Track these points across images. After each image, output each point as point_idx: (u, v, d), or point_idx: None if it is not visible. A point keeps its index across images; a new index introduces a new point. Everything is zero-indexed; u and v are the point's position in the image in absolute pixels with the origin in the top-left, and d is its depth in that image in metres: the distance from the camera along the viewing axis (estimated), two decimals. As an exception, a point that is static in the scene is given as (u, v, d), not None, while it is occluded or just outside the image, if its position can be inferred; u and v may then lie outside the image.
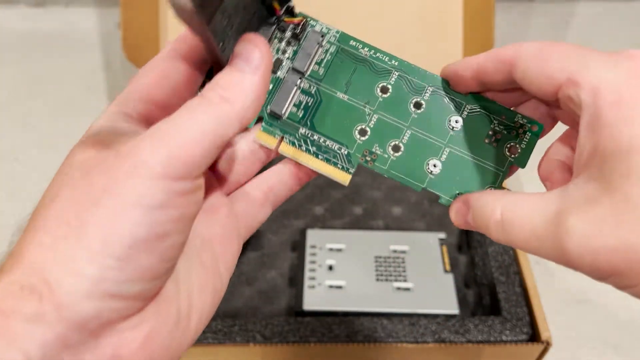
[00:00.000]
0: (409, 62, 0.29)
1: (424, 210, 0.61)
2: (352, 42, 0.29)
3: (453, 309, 0.50)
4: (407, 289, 0.52)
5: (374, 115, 0.28)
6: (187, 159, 0.20)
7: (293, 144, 0.29)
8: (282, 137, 0.29)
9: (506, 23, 0.85)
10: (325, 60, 0.29)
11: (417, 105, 0.28)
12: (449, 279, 0.53)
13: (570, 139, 0.26)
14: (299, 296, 0.51)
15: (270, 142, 0.28)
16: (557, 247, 0.20)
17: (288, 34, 0.29)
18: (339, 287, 0.52)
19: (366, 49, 0.30)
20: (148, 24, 0.63)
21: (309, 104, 0.29)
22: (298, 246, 0.56)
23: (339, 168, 0.28)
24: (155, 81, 0.24)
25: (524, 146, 0.28)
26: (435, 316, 0.49)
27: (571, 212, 0.20)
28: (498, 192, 0.25)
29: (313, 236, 0.56)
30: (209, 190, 0.27)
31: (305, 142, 0.29)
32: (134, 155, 0.20)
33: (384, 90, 0.29)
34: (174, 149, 0.20)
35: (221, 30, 0.23)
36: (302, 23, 0.29)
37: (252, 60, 0.22)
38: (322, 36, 0.29)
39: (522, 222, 0.22)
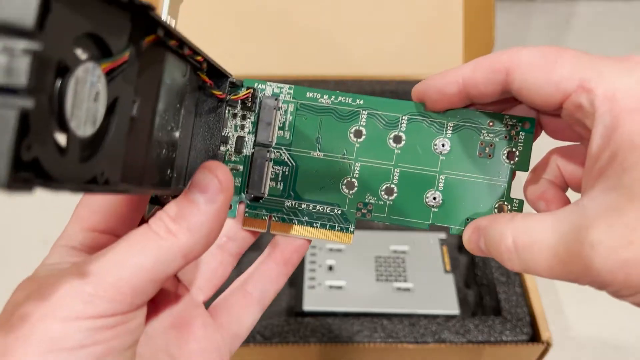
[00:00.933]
0: (373, 96, 0.27)
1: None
2: (308, 94, 0.27)
3: (453, 309, 0.50)
4: (407, 289, 0.52)
5: (356, 163, 0.27)
6: (115, 297, 0.19)
7: (283, 219, 0.27)
8: (270, 217, 0.27)
9: (506, 23, 0.85)
10: (287, 123, 0.27)
11: (397, 140, 0.26)
12: (449, 279, 0.53)
13: (562, 156, 0.25)
14: (299, 296, 0.51)
15: (259, 225, 0.27)
16: (583, 266, 0.18)
17: (239, 108, 0.27)
18: (339, 287, 0.52)
19: (325, 97, 0.27)
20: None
21: (286, 173, 0.27)
22: (298, 246, 0.56)
23: (337, 230, 0.27)
24: (97, 210, 0.23)
25: (521, 148, 0.26)
26: (436, 316, 0.49)
27: (593, 225, 0.18)
28: (506, 216, 0.23)
29: (313, 236, 0.56)
30: (176, 300, 0.25)
31: (295, 214, 0.27)
32: (52, 296, 0.19)
33: (358, 134, 0.27)
34: (99, 288, 0.19)
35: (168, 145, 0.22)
36: (250, 94, 0.27)
37: (209, 191, 0.21)
38: (276, 98, 0.27)
39: (540, 245, 0.20)
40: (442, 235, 0.56)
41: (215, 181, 0.21)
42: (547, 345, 0.46)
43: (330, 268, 0.53)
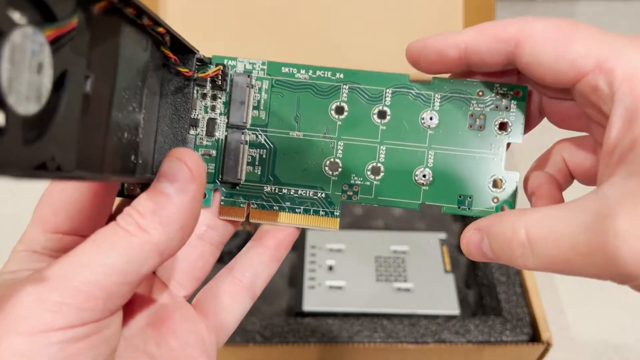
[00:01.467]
0: (354, 68, 0.25)
1: (424, 211, 0.60)
2: (284, 69, 0.25)
3: (453, 309, 0.50)
4: (408, 290, 0.52)
5: (339, 142, 0.25)
6: (85, 303, 0.17)
7: (263, 207, 0.25)
8: (249, 204, 0.25)
9: (506, 22, 0.85)
10: (262, 101, 0.25)
11: (382, 115, 0.25)
12: (450, 279, 0.53)
13: (568, 147, 0.24)
14: (298, 296, 0.51)
15: (237, 214, 0.25)
16: (606, 258, 0.17)
17: (209, 87, 0.25)
18: (339, 287, 0.52)
19: (302, 72, 0.25)
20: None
21: (264, 156, 0.25)
22: (298, 246, 0.56)
23: (322, 215, 0.25)
24: (59, 209, 0.21)
25: (514, 118, 0.24)
26: (436, 316, 0.49)
27: (617, 213, 0.17)
28: (515, 211, 0.21)
29: (313, 236, 0.56)
30: (153, 298, 0.23)
31: (276, 200, 0.25)
32: (14, 308, 0.17)
33: (339, 110, 0.25)
34: (66, 294, 0.17)
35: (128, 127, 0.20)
36: (220, 71, 0.25)
37: (179, 181, 0.19)
38: (249, 75, 0.25)
39: (556, 237, 0.18)
40: (443, 236, 0.56)
41: (185, 169, 0.19)
42: (547, 346, 0.46)
43: (330, 268, 0.53)
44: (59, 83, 0.16)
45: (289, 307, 0.53)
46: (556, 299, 0.57)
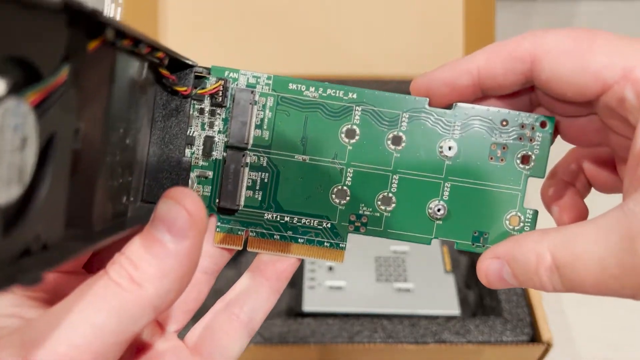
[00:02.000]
0: (371, 89, 0.23)
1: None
2: (291, 86, 0.23)
3: (454, 309, 0.50)
4: (408, 290, 0.52)
5: (348, 169, 0.23)
6: None
7: (262, 235, 0.23)
8: (247, 231, 0.23)
9: (507, 22, 0.85)
10: (266, 120, 0.23)
11: (396, 141, 0.23)
12: (450, 279, 0.53)
13: (586, 156, 0.23)
14: (298, 297, 0.51)
15: (234, 242, 0.23)
16: None
17: (207, 103, 0.23)
18: (339, 287, 0.52)
19: (312, 89, 0.23)
20: (147, 21, 0.62)
21: (265, 180, 0.23)
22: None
23: (327, 247, 0.24)
24: None
25: (538, 151, 0.23)
26: (436, 317, 0.49)
27: None
28: (536, 233, 0.20)
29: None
30: (141, 335, 0.22)
31: (277, 229, 0.23)
32: None
33: (350, 134, 0.23)
34: None
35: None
36: (220, 87, 0.23)
37: (177, 227, 0.17)
38: (252, 91, 0.23)
39: (585, 260, 0.18)
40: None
41: (183, 213, 0.17)
42: (548, 346, 0.46)
43: (330, 268, 0.53)
44: (45, 150, 0.14)
45: (288, 307, 0.53)
46: (557, 299, 0.57)
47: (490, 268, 0.21)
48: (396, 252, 0.55)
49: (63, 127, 0.15)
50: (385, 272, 0.53)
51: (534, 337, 0.48)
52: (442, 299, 0.51)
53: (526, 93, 0.23)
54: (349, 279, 0.52)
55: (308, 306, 0.50)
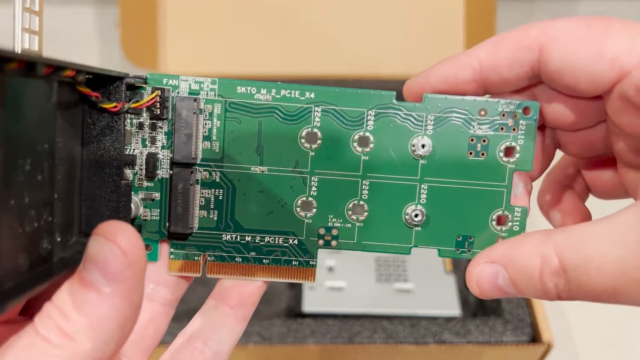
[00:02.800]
0: (327, 87, 0.21)
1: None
2: (240, 89, 0.21)
3: (454, 310, 0.50)
4: (408, 290, 0.52)
5: (312, 177, 0.21)
6: None
7: (222, 259, 0.21)
8: (205, 256, 0.21)
9: (508, 21, 0.85)
10: (215, 130, 0.21)
11: (363, 142, 0.21)
12: (450, 279, 0.53)
13: (578, 160, 0.22)
14: (298, 297, 0.51)
15: (191, 269, 0.21)
16: None
17: (145, 116, 0.21)
18: (339, 288, 0.52)
19: (264, 92, 0.21)
20: (147, 22, 0.62)
21: (220, 197, 0.21)
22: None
23: (295, 266, 0.22)
24: None
25: (522, 142, 0.20)
26: (436, 317, 0.49)
27: None
28: (539, 233, 0.18)
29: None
30: None
31: (238, 251, 0.21)
32: None
33: (311, 138, 0.21)
34: None
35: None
36: (157, 98, 0.20)
37: (111, 268, 0.15)
38: (195, 99, 0.20)
39: (599, 263, 0.16)
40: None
41: (117, 252, 0.15)
42: (548, 347, 0.46)
43: (330, 269, 0.53)
44: None
45: (288, 308, 0.53)
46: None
47: (483, 274, 0.19)
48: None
49: None
50: (385, 272, 0.53)
51: (535, 337, 0.47)
52: (443, 299, 0.51)
53: (528, 93, 0.21)
54: (349, 280, 0.52)
55: (308, 307, 0.50)
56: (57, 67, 0.16)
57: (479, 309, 0.52)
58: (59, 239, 0.18)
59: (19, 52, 0.16)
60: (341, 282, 0.52)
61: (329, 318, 0.48)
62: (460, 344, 0.47)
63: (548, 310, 0.48)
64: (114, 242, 0.15)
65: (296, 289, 0.52)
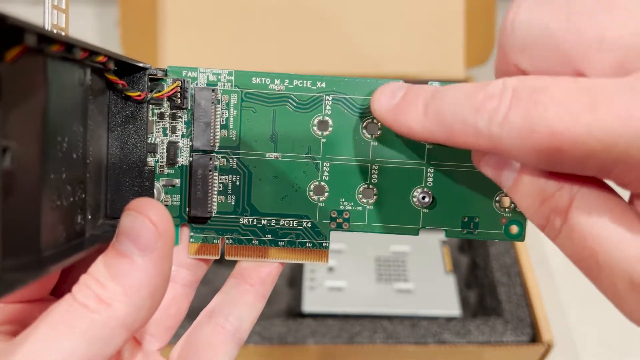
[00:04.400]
0: (338, 76, 0.22)
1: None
2: (255, 80, 0.22)
3: (454, 310, 0.50)
4: (408, 290, 0.52)
5: (324, 163, 0.22)
6: None
7: (240, 241, 0.22)
8: (223, 239, 0.22)
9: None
10: (232, 119, 0.22)
11: (372, 129, 0.22)
12: (450, 280, 0.53)
13: None
14: (298, 297, 0.51)
15: (210, 252, 0.22)
16: None
17: (166, 106, 0.22)
18: (339, 288, 0.52)
19: (277, 82, 0.22)
20: (146, 21, 0.62)
21: (237, 183, 0.22)
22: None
23: (309, 247, 0.22)
24: None
25: None
26: (436, 317, 0.49)
27: None
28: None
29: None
30: (122, 351, 0.21)
31: (255, 234, 0.22)
32: None
33: (323, 126, 0.22)
34: None
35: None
36: (178, 88, 0.22)
37: (143, 239, 0.16)
38: (213, 89, 0.22)
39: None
40: (443, 236, 0.56)
41: (148, 224, 0.16)
42: (549, 347, 0.46)
43: (330, 269, 0.53)
44: None
45: (288, 307, 0.53)
46: (557, 300, 0.57)
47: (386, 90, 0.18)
48: (396, 252, 0.55)
49: None
50: (385, 272, 0.53)
51: (535, 337, 0.47)
52: (443, 299, 0.51)
53: None
54: (349, 280, 0.52)
55: (308, 307, 0.50)
56: (91, 52, 0.18)
57: (479, 309, 0.52)
58: (89, 217, 0.20)
59: (49, 29, 0.17)
60: (341, 282, 0.52)
61: (329, 318, 0.48)
62: (460, 344, 0.47)
63: (548, 310, 0.48)
64: (146, 215, 0.16)
65: (296, 289, 0.52)
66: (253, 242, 0.22)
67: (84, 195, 0.19)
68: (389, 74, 0.62)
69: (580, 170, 0.15)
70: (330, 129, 0.22)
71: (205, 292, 0.34)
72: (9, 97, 0.14)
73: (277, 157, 0.22)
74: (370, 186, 0.22)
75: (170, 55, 0.61)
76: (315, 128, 0.22)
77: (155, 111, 0.22)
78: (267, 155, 0.22)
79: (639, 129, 0.13)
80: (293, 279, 0.54)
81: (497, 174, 0.18)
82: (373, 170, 0.22)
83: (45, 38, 0.15)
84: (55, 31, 0.19)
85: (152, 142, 0.22)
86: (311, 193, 0.22)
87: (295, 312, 0.50)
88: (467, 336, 0.47)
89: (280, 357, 0.47)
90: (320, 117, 0.22)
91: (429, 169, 0.22)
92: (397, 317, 0.48)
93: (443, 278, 0.53)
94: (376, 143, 0.22)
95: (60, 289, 0.21)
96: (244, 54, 0.63)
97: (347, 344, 0.46)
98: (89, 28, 0.85)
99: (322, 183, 0.22)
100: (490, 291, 0.52)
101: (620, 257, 0.15)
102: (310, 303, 0.50)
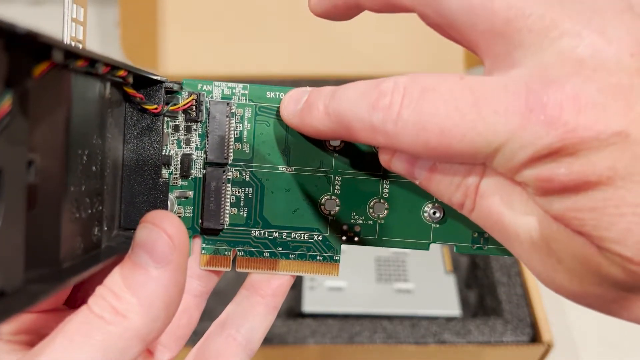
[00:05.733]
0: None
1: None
2: (269, 94, 0.22)
3: (454, 310, 0.50)
4: (408, 290, 0.52)
5: (336, 177, 0.22)
6: None
7: (251, 254, 0.23)
8: (235, 251, 0.23)
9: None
10: (245, 132, 0.22)
11: None
12: (450, 279, 0.53)
13: None
14: (298, 297, 0.51)
15: (221, 263, 0.23)
16: None
17: (181, 119, 0.22)
18: (339, 288, 0.52)
19: None
20: (146, 22, 0.62)
21: (249, 195, 0.22)
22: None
23: (320, 261, 0.23)
24: None
25: None
26: (436, 317, 0.49)
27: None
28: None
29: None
30: None
31: (266, 246, 0.23)
32: None
33: (335, 140, 0.22)
34: None
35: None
36: (193, 102, 0.22)
37: (158, 251, 0.16)
38: (228, 103, 0.22)
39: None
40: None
41: (164, 237, 0.17)
42: (549, 347, 0.46)
43: (330, 269, 0.53)
44: None
45: (288, 307, 0.53)
46: (557, 300, 0.57)
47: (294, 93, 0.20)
48: (396, 252, 0.55)
49: (12, 161, 0.14)
50: (385, 272, 0.53)
51: (535, 337, 0.47)
52: (443, 299, 0.51)
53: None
54: (349, 280, 0.52)
55: (308, 306, 0.50)
56: (113, 67, 0.18)
57: (479, 309, 0.52)
58: (106, 229, 0.20)
59: (68, 42, 0.18)
60: (341, 282, 0.52)
61: (329, 318, 0.48)
62: (460, 344, 0.47)
63: (548, 310, 0.48)
64: (161, 227, 0.17)
65: (296, 289, 0.52)
66: (264, 254, 0.23)
67: (101, 207, 0.19)
68: (389, 74, 0.62)
69: (472, 161, 0.17)
70: (342, 142, 0.22)
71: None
72: (35, 112, 0.14)
73: (290, 171, 0.22)
74: (382, 200, 0.22)
75: (170, 55, 0.61)
76: (328, 142, 0.22)
77: (170, 123, 0.22)
78: (279, 169, 0.22)
79: (512, 124, 0.15)
80: (293, 279, 0.54)
81: (409, 170, 0.19)
82: (384, 185, 0.22)
83: (71, 54, 0.15)
84: (73, 44, 0.19)
85: (167, 154, 0.22)
86: (323, 207, 0.22)
87: (295, 312, 0.50)
88: (467, 336, 0.47)
89: (280, 357, 0.47)
90: None
91: None
92: (397, 317, 0.48)
93: (443, 278, 0.53)
94: None
95: (73, 299, 0.21)
96: (244, 55, 0.63)
97: (347, 344, 0.46)
98: (89, 28, 0.85)
99: (334, 197, 0.22)
100: (490, 291, 0.52)
101: (518, 224, 0.17)
102: (310, 303, 0.50)
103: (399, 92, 0.16)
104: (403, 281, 0.52)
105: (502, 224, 0.17)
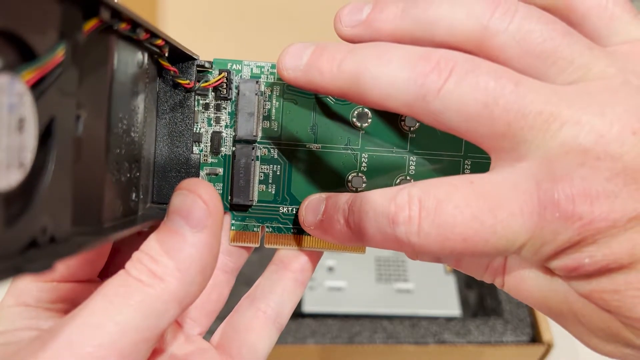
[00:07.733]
0: None
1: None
2: None
3: (454, 310, 0.50)
4: (408, 290, 0.52)
5: (363, 154, 0.22)
6: None
7: (279, 230, 0.23)
8: (263, 227, 0.23)
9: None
10: (274, 110, 0.22)
11: (410, 120, 0.22)
12: (450, 280, 0.53)
13: None
14: (298, 297, 0.51)
15: (250, 239, 0.23)
16: None
17: (211, 97, 0.22)
18: (339, 288, 0.52)
19: None
20: (146, 18, 0.62)
21: (277, 173, 0.23)
22: (298, 246, 0.56)
23: None
24: None
25: None
26: (436, 317, 0.49)
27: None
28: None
29: (313, 236, 0.55)
30: (164, 341, 0.21)
31: (294, 222, 0.23)
32: None
33: (362, 117, 0.22)
34: None
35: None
36: (224, 79, 0.22)
37: (194, 217, 0.17)
38: (257, 81, 0.22)
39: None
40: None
41: (199, 203, 0.17)
42: (548, 347, 0.46)
43: (330, 269, 0.53)
44: (45, 135, 0.14)
45: (288, 307, 0.53)
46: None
47: (313, 202, 0.21)
48: (396, 252, 0.55)
49: (63, 111, 0.14)
50: (385, 272, 0.53)
51: (535, 337, 0.47)
52: (443, 299, 0.51)
53: None
54: (349, 280, 0.52)
55: (308, 306, 0.50)
56: (152, 34, 0.18)
57: (479, 309, 0.52)
58: (142, 197, 0.20)
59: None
60: (341, 282, 0.52)
61: (329, 318, 0.48)
62: (460, 344, 0.47)
63: (548, 311, 0.48)
64: (197, 193, 0.17)
65: (296, 289, 0.52)
66: (292, 230, 0.23)
67: (138, 174, 0.20)
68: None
69: (491, 257, 0.19)
70: (369, 120, 0.22)
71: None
72: (83, 66, 0.15)
73: (317, 148, 0.22)
74: (408, 177, 0.22)
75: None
76: (354, 120, 0.22)
77: (201, 102, 0.22)
78: (307, 146, 0.23)
79: (529, 223, 0.16)
80: (293, 278, 0.54)
81: (437, 260, 0.21)
82: (411, 162, 0.22)
83: (116, 14, 0.16)
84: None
85: (197, 131, 0.23)
86: (350, 184, 0.23)
87: (295, 312, 0.50)
88: (467, 336, 0.47)
89: (280, 357, 0.47)
90: (360, 109, 0.22)
91: (466, 161, 0.22)
92: (397, 317, 0.48)
93: (443, 278, 0.53)
94: (414, 135, 0.22)
95: (107, 272, 0.22)
96: (244, 53, 0.63)
97: (347, 344, 0.46)
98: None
99: (360, 174, 0.23)
100: (490, 291, 0.52)
101: (548, 298, 0.19)
102: (310, 303, 0.50)
103: (415, 205, 0.17)
104: (403, 281, 0.52)
105: (533, 299, 0.19)
